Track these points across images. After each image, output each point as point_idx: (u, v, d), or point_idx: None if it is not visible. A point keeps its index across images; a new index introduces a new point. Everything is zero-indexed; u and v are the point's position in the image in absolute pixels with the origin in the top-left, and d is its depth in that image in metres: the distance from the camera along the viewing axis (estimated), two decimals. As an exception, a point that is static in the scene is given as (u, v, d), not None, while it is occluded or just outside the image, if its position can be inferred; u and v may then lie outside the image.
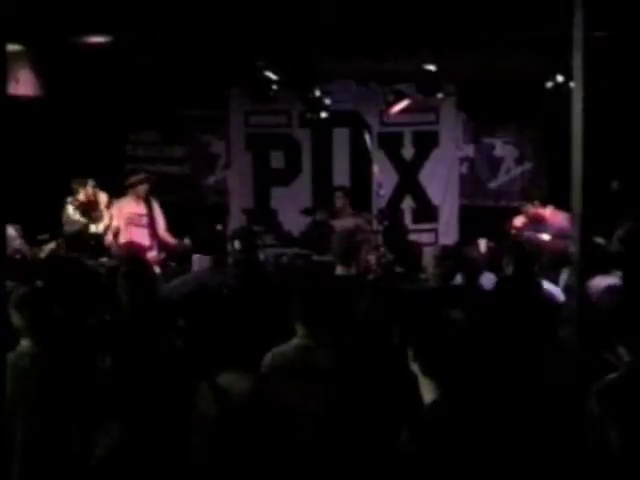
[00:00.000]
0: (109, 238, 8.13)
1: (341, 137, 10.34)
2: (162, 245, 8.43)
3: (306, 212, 9.63)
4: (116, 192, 8.54)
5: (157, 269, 7.22)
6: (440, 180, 10.40)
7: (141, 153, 10.50)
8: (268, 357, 4.17)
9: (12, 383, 3.81)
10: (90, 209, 8.00)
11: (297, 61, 8.69)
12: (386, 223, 8.77)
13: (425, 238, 10.13)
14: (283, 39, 7.62)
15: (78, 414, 4.03)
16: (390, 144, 10.32)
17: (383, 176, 9.50)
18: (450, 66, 8.85)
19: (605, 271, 5.57)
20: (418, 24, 7.11)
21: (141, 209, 8.46)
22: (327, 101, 9.62)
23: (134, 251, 6.80)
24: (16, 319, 4.10)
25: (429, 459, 3.02)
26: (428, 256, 5.82)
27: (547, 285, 5.56)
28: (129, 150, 10.46)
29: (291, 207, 10.08)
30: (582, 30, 3.78)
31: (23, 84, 8.43)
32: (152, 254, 8.05)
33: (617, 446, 3.46)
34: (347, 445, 3.96)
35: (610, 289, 5.02)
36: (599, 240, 6.89)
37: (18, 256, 6.34)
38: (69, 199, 7.93)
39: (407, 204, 10.45)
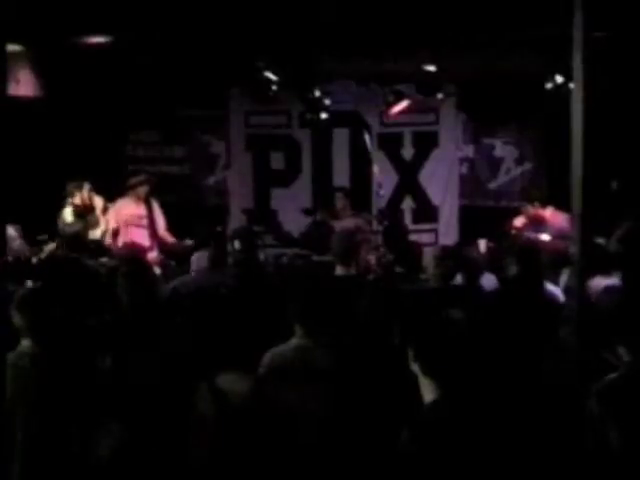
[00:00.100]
0: (108, 240, 8.14)
1: (341, 137, 10.34)
2: (162, 245, 8.43)
3: (306, 212, 9.63)
4: (116, 192, 8.54)
5: (157, 269, 7.22)
6: (440, 180, 10.40)
7: (141, 153, 10.50)
8: (267, 357, 4.17)
9: (12, 383, 3.82)
10: (86, 213, 8.00)
11: (297, 61, 8.69)
12: (386, 223, 8.77)
13: (425, 238, 10.13)
14: (283, 39, 7.62)
15: (78, 414, 4.03)
16: (390, 144, 10.32)
17: (383, 176, 9.50)
18: (450, 66, 8.85)
19: (605, 272, 5.57)
20: (418, 24, 7.11)
21: (141, 210, 8.46)
22: (327, 101, 9.62)
23: (134, 251, 6.80)
24: (17, 319, 4.10)
25: (429, 459, 3.02)
26: (428, 256, 5.83)
27: (548, 285, 5.57)
28: (129, 150, 10.46)
29: (291, 207, 10.08)
30: (582, 30, 3.79)
31: (23, 84, 8.43)
32: (152, 255, 8.04)
33: (617, 446, 3.46)
34: (347, 445, 3.96)
35: (610, 289, 5.02)
36: (600, 240, 6.90)
37: (20, 257, 6.34)
38: (68, 200, 7.93)
39: (407, 204, 10.45)
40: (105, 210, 8.15)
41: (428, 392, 3.15)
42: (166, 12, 6.82)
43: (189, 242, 8.05)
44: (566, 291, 5.47)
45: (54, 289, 4.78)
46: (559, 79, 8.59)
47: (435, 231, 10.44)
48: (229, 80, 9.81)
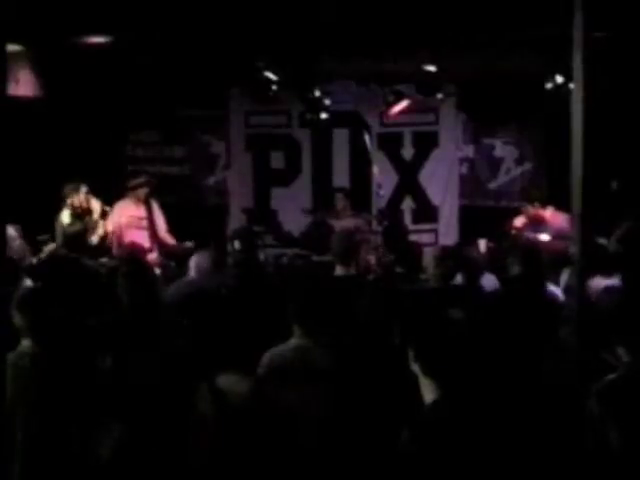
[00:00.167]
0: (109, 241, 8.14)
1: (341, 137, 10.34)
2: (162, 247, 8.42)
3: (308, 212, 9.63)
4: (116, 193, 8.54)
5: (157, 270, 7.22)
6: (440, 180, 10.40)
7: (141, 153, 10.50)
8: (266, 358, 4.17)
9: (12, 383, 3.82)
10: (84, 215, 8.00)
11: (297, 61, 8.69)
12: (386, 223, 8.78)
13: (425, 238, 10.13)
14: (283, 39, 7.62)
15: (78, 414, 4.03)
16: (390, 144, 10.32)
17: (383, 176, 9.51)
18: (450, 66, 8.85)
19: (606, 272, 5.58)
20: (418, 24, 7.11)
21: (141, 212, 8.46)
22: (327, 101, 9.62)
23: (134, 252, 6.80)
24: (17, 319, 4.11)
25: (429, 459, 3.02)
26: (428, 256, 5.83)
27: (548, 285, 5.57)
28: (129, 150, 10.46)
29: (291, 207, 10.09)
30: (582, 30, 3.79)
31: (23, 84, 8.43)
32: (152, 256, 8.04)
33: (617, 446, 3.46)
34: (347, 446, 3.97)
35: (610, 289, 5.02)
36: (601, 240, 6.89)
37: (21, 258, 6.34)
38: (66, 203, 7.93)
39: (407, 204, 10.45)
40: (103, 214, 8.14)
41: (428, 392, 3.15)
42: (166, 12, 6.82)
43: (189, 244, 8.05)
44: (566, 291, 5.48)
45: (54, 289, 4.78)
46: (559, 79, 8.59)
47: (435, 231, 10.44)
48: (229, 80, 9.82)
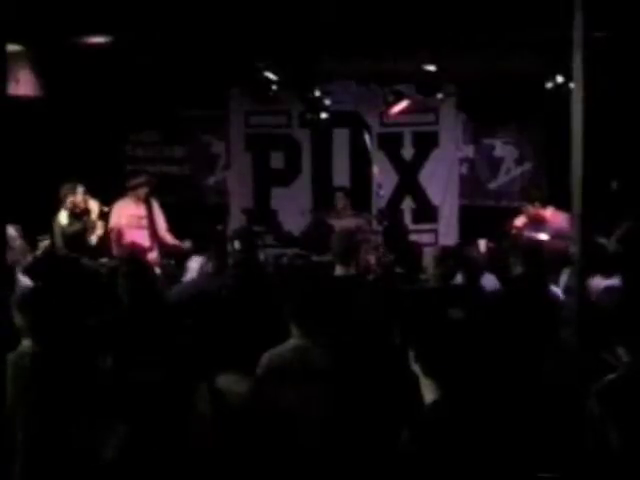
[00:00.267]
0: (113, 238, 8.15)
1: (341, 137, 10.34)
2: (162, 246, 8.42)
3: (307, 213, 9.63)
4: (116, 193, 8.54)
5: (157, 270, 7.22)
6: (440, 180, 10.39)
7: (141, 153, 10.50)
8: (265, 358, 4.17)
9: (13, 383, 3.82)
10: (81, 216, 8.00)
11: (297, 61, 8.69)
12: (386, 223, 8.78)
13: (425, 238, 10.13)
14: (283, 39, 7.61)
15: (78, 414, 4.03)
16: (390, 144, 10.32)
17: (383, 176, 9.51)
18: (450, 66, 8.85)
19: (606, 273, 5.58)
20: (418, 24, 7.11)
21: (141, 211, 8.45)
22: (327, 101, 9.63)
23: (134, 251, 6.81)
24: (17, 319, 4.11)
25: (429, 459, 3.02)
26: (428, 256, 5.83)
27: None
28: (129, 150, 10.46)
29: (291, 207, 10.09)
30: (582, 31, 3.79)
31: (23, 84, 8.43)
32: (152, 255, 8.04)
33: (617, 446, 3.46)
34: (347, 446, 3.97)
35: (610, 289, 5.03)
36: (601, 240, 6.89)
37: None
38: (66, 204, 7.92)
39: (407, 204, 10.45)
40: (101, 214, 8.14)
41: (429, 392, 3.15)
42: (166, 12, 6.82)
43: (187, 244, 8.05)
44: (566, 291, 5.48)
45: (54, 289, 4.78)
46: (559, 79, 8.59)
47: (435, 231, 10.43)
48: (229, 80, 9.81)
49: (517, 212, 8.61)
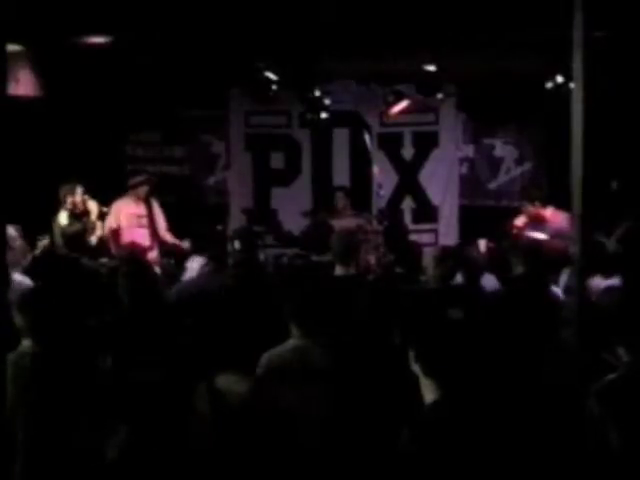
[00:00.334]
0: (113, 238, 8.15)
1: (341, 137, 10.34)
2: (162, 245, 8.43)
3: (308, 215, 9.63)
4: (115, 192, 8.54)
5: (157, 269, 7.22)
6: (440, 180, 10.40)
7: (141, 153, 10.49)
8: (264, 358, 4.17)
9: (13, 382, 3.81)
10: (81, 216, 8.00)
11: (297, 61, 8.69)
12: (386, 223, 8.78)
13: (425, 238, 10.13)
14: (283, 39, 7.61)
15: (79, 414, 4.03)
16: (390, 144, 10.32)
17: (383, 176, 9.51)
18: (450, 66, 8.85)
19: (606, 273, 5.58)
20: (418, 24, 7.11)
21: (141, 210, 8.46)
22: (327, 101, 9.63)
23: (134, 251, 6.80)
24: (17, 319, 4.10)
25: (429, 459, 3.02)
26: (428, 257, 5.83)
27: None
28: (129, 150, 10.45)
29: (291, 207, 10.08)
30: (582, 30, 3.79)
31: (23, 84, 8.42)
32: (152, 255, 8.04)
33: (617, 446, 3.46)
34: (346, 446, 3.96)
35: (610, 289, 5.03)
36: (601, 237, 6.89)
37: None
38: (66, 204, 7.92)
39: (407, 204, 10.45)
40: (101, 215, 8.14)
41: (429, 392, 3.15)
42: (166, 12, 6.82)
43: (187, 244, 8.06)
44: (566, 291, 5.48)
45: (54, 289, 4.78)
46: (559, 79, 8.60)
47: (435, 231, 10.44)
48: (229, 80, 9.81)
49: (517, 212, 8.61)
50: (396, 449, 3.08)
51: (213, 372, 3.85)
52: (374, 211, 9.45)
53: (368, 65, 8.98)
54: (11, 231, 5.95)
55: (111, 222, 8.25)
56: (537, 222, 8.16)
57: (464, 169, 10.44)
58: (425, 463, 3.02)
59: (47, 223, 7.90)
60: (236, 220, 10.14)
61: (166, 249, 8.36)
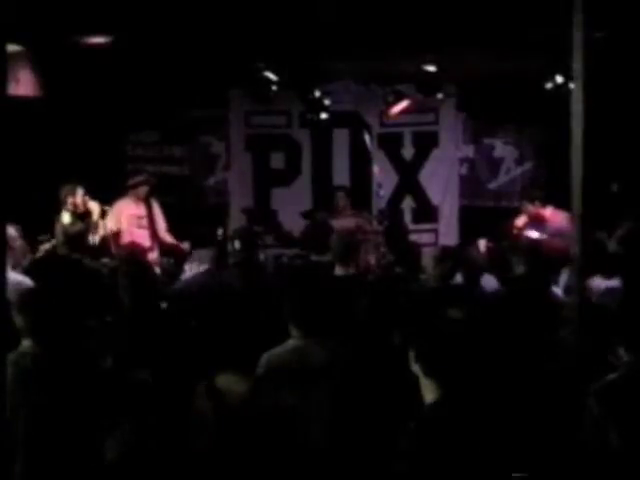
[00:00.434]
0: (114, 238, 8.15)
1: (341, 137, 10.33)
2: (162, 245, 8.43)
3: (305, 216, 9.63)
4: (116, 192, 8.54)
5: (157, 270, 7.22)
6: (440, 180, 10.40)
7: (141, 153, 10.49)
8: (264, 359, 4.17)
9: (13, 382, 3.81)
10: (83, 217, 8.00)
11: (297, 61, 8.69)
12: (386, 223, 8.78)
13: (425, 238, 10.13)
14: (283, 39, 7.61)
15: (79, 414, 4.03)
16: (390, 144, 10.32)
17: (383, 176, 9.50)
18: (450, 66, 8.85)
19: (607, 274, 5.58)
20: (418, 24, 7.11)
21: (141, 210, 8.46)
22: (327, 101, 9.63)
23: (135, 252, 6.80)
24: (17, 320, 4.10)
25: (429, 459, 3.02)
26: (427, 256, 5.84)
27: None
28: (129, 150, 10.45)
29: (291, 208, 10.08)
30: (582, 30, 3.79)
31: (23, 84, 8.42)
32: (152, 255, 8.04)
33: (617, 446, 3.46)
34: (347, 446, 3.96)
35: (610, 290, 5.03)
36: (601, 235, 6.89)
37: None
38: (66, 205, 7.92)
39: (407, 204, 10.44)
40: (103, 214, 8.14)
41: (429, 392, 3.15)
42: (166, 12, 6.82)
43: (186, 245, 8.05)
44: (566, 291, 5.48)
45: (55, 289, 4.78)
46: (559, 79, 8.60)
47: (435, 231, 10.43)
48: (229, 80, 9.81)
49: (517, 212, 8.61)
50: (396, 449, 3.08)
51: (213, 372, 3.84)
52: (374, 211, 9.45)
53: (368, 65, 8.98)
54: (11, 231, 5.95)
55: (112, 223, 8.24)
56: (537, 222, 8.17)
57: (464, 169, 10.44)
58: (425, 463, 3.02)
59: (47, 223, 7.90)
60: (236, 220, 10.13)
61: (166, 250, 8.35)
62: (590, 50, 3.80)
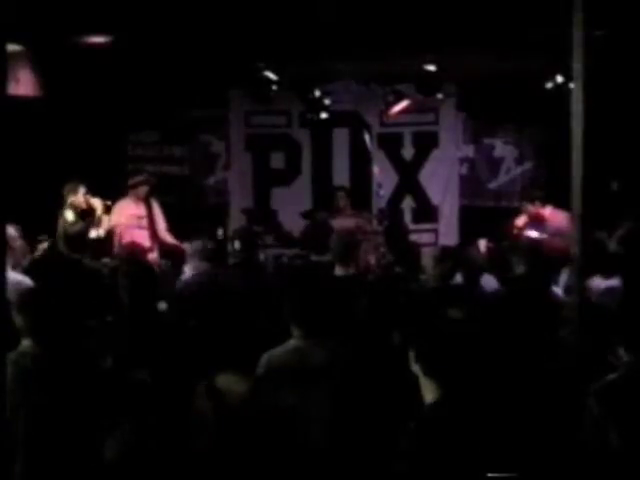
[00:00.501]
0: (114, 237, 8.15)
1: (341, 137, 10.34)
2: (162, 246, 8.43)
3: (305, 216, 9.63)
4: (116, 192, 8.54)
5: (157, 270, 7.21)
6: (440, 180, 10.40)
7: (141, 153, 10.49)
8: (264, 359, 4.17)
9: (13, 381, 3.81)
10: (86, 215, 8.00)
11: (297, 61, 8.69)
12: (386, 223, 8.78)
13: (425, 238, 10.13)
14: (283, 39, 7.61)
15: (79, 414, 4.03)
16: (390, 144, 10.32)
17: (383, 176, 9.50)
18: (450, 66, 8.85)
19: (607, 274, 5.58)
20: (418, 24, 7.11)
21: (141, 210, 8.46)
22: (327, 101, 9.63)
23: (135, 251, 6.81)
24: (17, 319, 4.10)
25: (430, 459, 3.02)
26: (427, 256, 5.83)
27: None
28: (129, 150, 10.45)
29: (291, 208, 10.08)
30: (582, 30, 3.79)
31: (23, 84, 8.42)
32: (153, 255, 8.04)
33: (617, 446, 3.46)
34: (347, 446, 3.97)
35: (610, 290, 5.03)
36: (601, 235, 6.89)
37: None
38: (67, 203, 7.93)
39: (407, 204, 10.44)
40: (107, 209, 8.13)
41: (429, 392, 3.15)
42: (166, 12, 6.82)
43: (186, 246, 8.05)
44: (566, 290, 5.48)
45: (55, 289, 4.78)
46: (559, 79, 8.60)
47: (435, 231, 10.44)
48: (229, 80, 9.81)
49: (517, 212, 8.61)
50: (396, 449, 3.08)
51: (213, 372, 3.84)
52: (374, 211, 9.45)
53: (368, 65, 8.98)
54: (11, 231, 5.95)
55: (112, 222, 8.24)
56: (537, 222, 8.17)
57: (464, 169, 10.44)
58: (425, 463, 3.02)
59: (47, 223, 7.90)
60: (236, 220, 10.13)
61: (166, 250, 8.35)
62: (590, 49, 3.80)
